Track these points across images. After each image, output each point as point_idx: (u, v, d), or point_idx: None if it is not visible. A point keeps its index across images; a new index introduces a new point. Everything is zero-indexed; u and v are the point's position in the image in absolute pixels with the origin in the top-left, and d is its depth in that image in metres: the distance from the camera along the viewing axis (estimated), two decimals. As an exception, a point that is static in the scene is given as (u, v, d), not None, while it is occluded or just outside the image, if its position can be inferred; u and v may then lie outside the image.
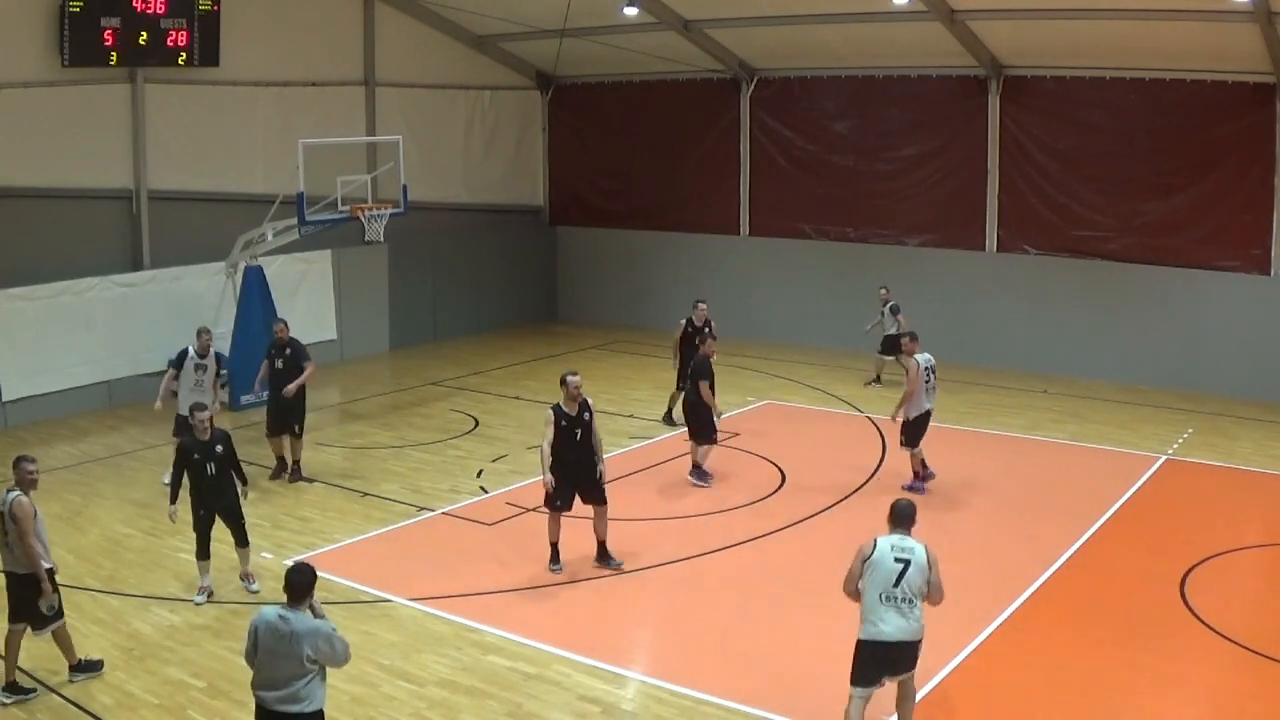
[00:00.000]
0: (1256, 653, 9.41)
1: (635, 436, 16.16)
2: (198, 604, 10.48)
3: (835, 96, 22.04)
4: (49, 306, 17.15)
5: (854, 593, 7.67)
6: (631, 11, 19.54)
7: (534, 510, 12.99)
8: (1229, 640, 9.65)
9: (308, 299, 20.42)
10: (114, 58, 17.49)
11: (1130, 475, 14.31)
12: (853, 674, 7.65)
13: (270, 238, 17.55)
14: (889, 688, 7.77)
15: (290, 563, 7.03)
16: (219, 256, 18.41)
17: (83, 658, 9.13)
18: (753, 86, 22.82)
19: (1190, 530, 12.41)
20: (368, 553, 11.82)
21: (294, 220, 16.91)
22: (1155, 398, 18.32)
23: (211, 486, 10.45)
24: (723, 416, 14.51)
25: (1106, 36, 17.84)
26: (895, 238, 21.59)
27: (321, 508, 13.23)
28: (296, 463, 13.99)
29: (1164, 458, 15.15)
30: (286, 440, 13.96)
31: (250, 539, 10.96)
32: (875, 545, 7.61)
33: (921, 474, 13.68)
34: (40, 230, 17.49)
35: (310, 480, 13.99)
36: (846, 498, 13.54)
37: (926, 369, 13.48)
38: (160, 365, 18.48)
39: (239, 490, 10.70)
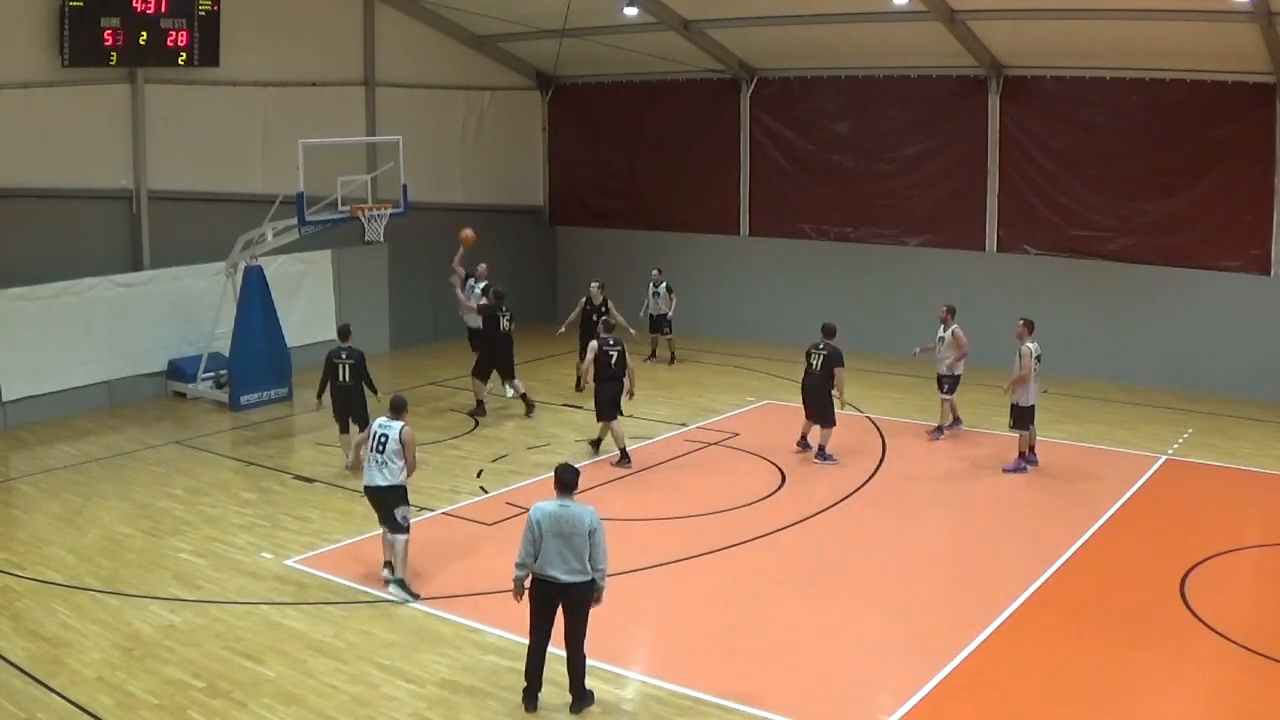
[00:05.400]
0: (1256, 653, 9.41)
1: (635, 436, 16.16)
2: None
3: (835, 96, 22.02)
4: (49, 306, 17.14)
5: None
6: (631, 11, 19.53)
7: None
8: (1229, 640, 9.65)
9: (308, 299, 20.39)
10: (114, 58, 17.46)
11: (1130, 475, 14.31)
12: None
13: (270, 238, 17.52)
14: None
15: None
16: (219, 256, 18.39)
17: (405, 578, 10.62)
18: (753, 86, 22.81)
19: (1190, 530, 12.41)
20: (368, 553, 11.80)
21: (294, 220, 16.89)
22: (1155, 398, 18.32)
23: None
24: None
25: (1106, 36, 17.83)
26: (895, 238, 21.58)
27: (321, 508, 13.24)
28: (524, 394, 17.30)
29: (1164, 458, 15.15)
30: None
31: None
32: None
33: (1026, 456, 14.56)
34: (40, 230, 17.47)
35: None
36: (846, 498, 13.55)
37: (1037, 357, 14.33)
38: (160, 365, 18.60)
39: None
